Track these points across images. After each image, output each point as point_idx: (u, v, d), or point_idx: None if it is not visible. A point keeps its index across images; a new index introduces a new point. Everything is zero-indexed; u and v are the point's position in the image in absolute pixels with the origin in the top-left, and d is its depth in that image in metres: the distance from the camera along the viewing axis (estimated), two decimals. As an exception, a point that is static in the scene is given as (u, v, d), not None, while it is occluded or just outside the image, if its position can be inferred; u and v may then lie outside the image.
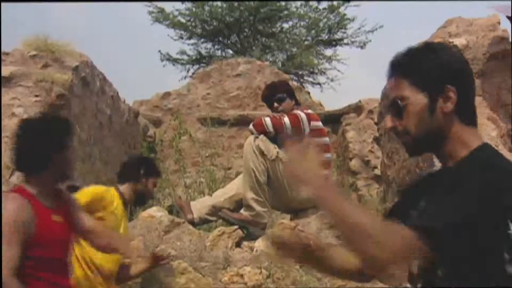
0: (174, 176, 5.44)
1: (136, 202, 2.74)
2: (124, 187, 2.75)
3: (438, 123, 1.05)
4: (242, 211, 3.36)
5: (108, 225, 2.34)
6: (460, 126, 1.06)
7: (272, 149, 3.27)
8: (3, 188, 3.66)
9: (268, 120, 3.37)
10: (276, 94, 3.52)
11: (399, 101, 1.07)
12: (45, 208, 1.92)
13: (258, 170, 3.23)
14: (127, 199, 2.70)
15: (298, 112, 3.41)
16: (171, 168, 5.26)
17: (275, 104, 3.50)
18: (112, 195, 2.59)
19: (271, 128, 3.33)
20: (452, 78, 1.06)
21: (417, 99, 1.05)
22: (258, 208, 3.28)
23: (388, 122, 1.09)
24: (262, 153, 3.26)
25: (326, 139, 3.56)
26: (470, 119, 1.08)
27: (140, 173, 2.76)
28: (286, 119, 3.34)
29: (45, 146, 1.94)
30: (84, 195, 2.41)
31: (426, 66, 1.06)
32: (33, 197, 1.90)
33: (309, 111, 3.54)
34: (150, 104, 8.45)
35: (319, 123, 3.48)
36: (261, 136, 3.32)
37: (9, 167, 3.81)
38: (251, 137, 3.36)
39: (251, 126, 3.45)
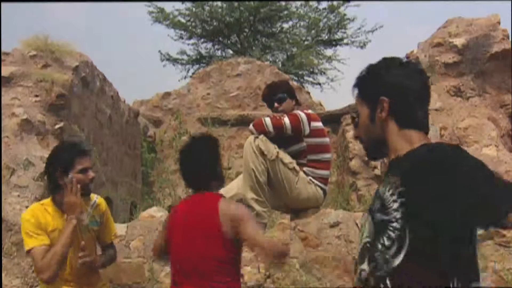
0: (174, 176, 5.43)
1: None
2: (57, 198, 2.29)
3: (378, 129, 1.27)
4: None
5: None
6: (399, 130, 1.24)
7: (272, 149, 3.27)
8: (3, 188, 3.66)
9: (268, 120, 3.36)
10: (276, 94, 3.50)
11: (354, 115, 1.34)
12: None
13: (258, 170, 3.23)
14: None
15: (298, 112, 3.40)
16: (171, 168, 5.25)
17: (276, 104, 3.49)
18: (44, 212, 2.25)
19: (271, 129, 3.33)
20: (386, 92, 1.25)
21: (363, 111, 1.30)
22: (258, 208, 3.28)
23: (354, 132, 1.38)
24: (262, 153, 3.26)
25: (327, 139, 3.55)
26: (410, 124, 1.24)
27: (55, 181, 2.23)
28: (286, 120, 3.33)
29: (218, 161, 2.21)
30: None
31: (368, 83, 1.30)
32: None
33: (310, 111, 3.52)
34: (150, 104, 8.46)
35: (319, 123, 3.47)
36: (261, 136, 3.32)
37: (9, 167, 3.82)
38: (251, 137, 3.36)
39: (251, 126, 3.44)
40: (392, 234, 1.14)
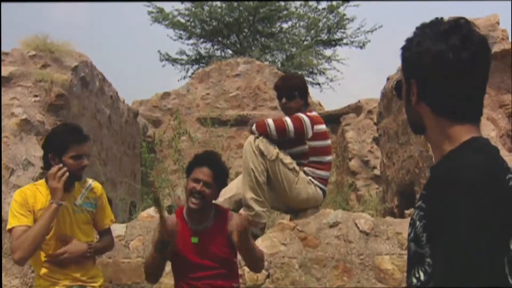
0: (174, 176, 5.44)
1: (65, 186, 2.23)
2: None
3: (414, 113, 1.05)
4: (241, 211, 3.36)
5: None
6: (437, 119, 1.01)
7: (272, 150, 3.26)
8: (3, 188, 3.66)
9: (271, 123, 3.33)
10: (288, 90, 3.44)
11: (400, 83, 1.10)
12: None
13: (257, 170, 3.23)
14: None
15: (301, 115, 3.36)
16: (170, 168, 5.26)
17: (284, 100, 3.45)
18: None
19: (274, 132, 3.31)
20: (415, 72, 1.03)
21: (404, 87, 1.07)
22: (257, 208, 3.27)
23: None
24: (262, 154, 3.25)
25: (329, 141, 3.53)
26: (449, 111, 1.00)
27: (48, 162, 2.25)
28: (289, 123, 3.31)
29: None
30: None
31: (403, 58, 1.06)
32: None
33: (314, 113, 3.49)
34: (150, 104, 8.46)
35: (323, 126, 3.44)
36: (261, 137, 3.31)
37: (8, 167, 3.81)
38: (251, 137, 3.35)
39: (253, 127, 3.41)
40: (429, 269, 0.94)
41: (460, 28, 0.99)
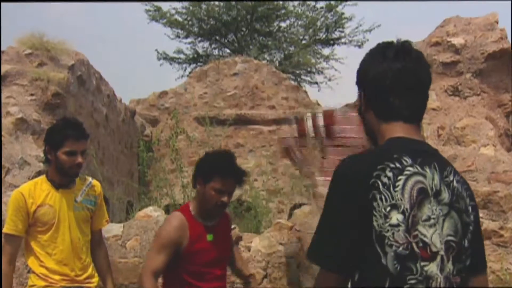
0: (171, 175, 5.41)
1: (62, 183, 2.26)
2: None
3: (365, 120, 1.22)
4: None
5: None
6: (378, 122, 1.18)
7: None
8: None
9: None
10: None
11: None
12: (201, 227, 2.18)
13: None
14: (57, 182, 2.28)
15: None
16: (168, 168, 5.23)
17: None
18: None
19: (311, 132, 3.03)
20: (360, 83, 1.21)
21: (358, 99, 1.24)
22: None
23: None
24: None
25: None
26: (385, 116, 1.16)
27: (46, 153, 2.27)
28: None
29: None
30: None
31: (356, 75, 1.23)
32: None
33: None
34: (147, 103, 8.43)
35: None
36: None
37: (4, 167, 3.78)
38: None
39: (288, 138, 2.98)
40: (470, 237, 1.13)
41: (394, 46, 1.18)
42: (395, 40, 1.20)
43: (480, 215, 3.52)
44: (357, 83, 1.21)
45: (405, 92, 1.14)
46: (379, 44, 1.21)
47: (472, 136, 3.81)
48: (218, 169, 2.13)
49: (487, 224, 3.36)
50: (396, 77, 1.14)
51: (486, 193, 3.41)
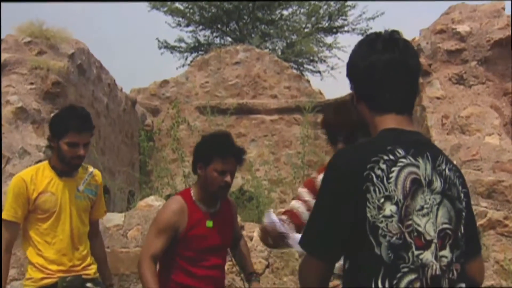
0: (173, 165, 5.39)
1: (64, 170, 2.22)
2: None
3: (357, 112, 1.23)
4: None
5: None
6: (371, 114, 1.19)
7: None
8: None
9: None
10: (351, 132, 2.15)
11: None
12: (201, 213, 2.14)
13: None
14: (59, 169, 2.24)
15: None
16: (169, 157, 5.20)
17: (340, 145, 1.99)
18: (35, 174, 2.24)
19: None
20: (351, 76, 1.22)
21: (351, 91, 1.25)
22: None
23: None
24: None
25: None
26: (376, 107, 1.18)
27: (51, 139, 2.25)
28: None
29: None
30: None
31: (347, 68, 1.24)
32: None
33: None
34: (148, 93, 8.37)
35: None
36: None
37: (4, 156, 3.76)
38: None
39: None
40: (464, 223, 1.15)
41: (382, 37, 1.18)
42: (383, 31, 1.21)
43: (485, 204, 3.51)
44: (348, 75, 1.23)
45: (395, 84, 1.16)
46: (367, 36, 1.22)
47: (477, 125, 3.76)
48: (217, 150, 2.11)
49: (491, 214, 3.33)
50: (385, 69, 1.15)
51: (490, 183, 3.38)
